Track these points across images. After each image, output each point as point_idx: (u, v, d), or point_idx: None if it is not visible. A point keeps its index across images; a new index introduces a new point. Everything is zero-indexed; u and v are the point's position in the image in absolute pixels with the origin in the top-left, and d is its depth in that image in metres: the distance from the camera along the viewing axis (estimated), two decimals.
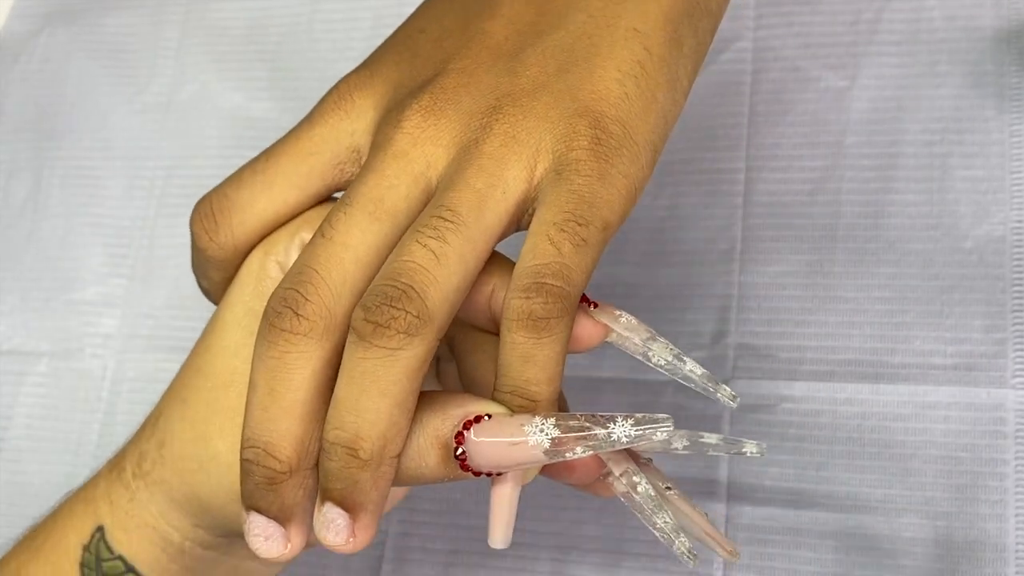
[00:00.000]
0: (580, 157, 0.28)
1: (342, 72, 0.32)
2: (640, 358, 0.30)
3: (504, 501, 0.30)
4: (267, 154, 0.33)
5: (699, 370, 0.30)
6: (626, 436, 0.26)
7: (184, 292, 0.50)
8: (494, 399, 0.29)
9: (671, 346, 0.30)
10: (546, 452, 0.27)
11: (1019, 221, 0.41)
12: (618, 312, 0.30)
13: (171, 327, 0.50)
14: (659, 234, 0.45)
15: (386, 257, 0.28)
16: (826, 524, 0.40)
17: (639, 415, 0.26)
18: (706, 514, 0.31)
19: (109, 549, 0.34)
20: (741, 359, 0.43)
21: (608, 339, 0.30)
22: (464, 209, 0.28)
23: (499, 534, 0.30)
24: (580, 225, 0.27)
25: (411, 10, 0.34)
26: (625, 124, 0.29)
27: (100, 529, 0.34)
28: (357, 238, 0.28)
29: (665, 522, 0.29)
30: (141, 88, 0.55)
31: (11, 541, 0.35)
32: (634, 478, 0.30)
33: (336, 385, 0.27)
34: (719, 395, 0.30)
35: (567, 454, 0.27)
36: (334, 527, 0.28)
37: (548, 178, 0.29)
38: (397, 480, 0.28)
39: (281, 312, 0.28)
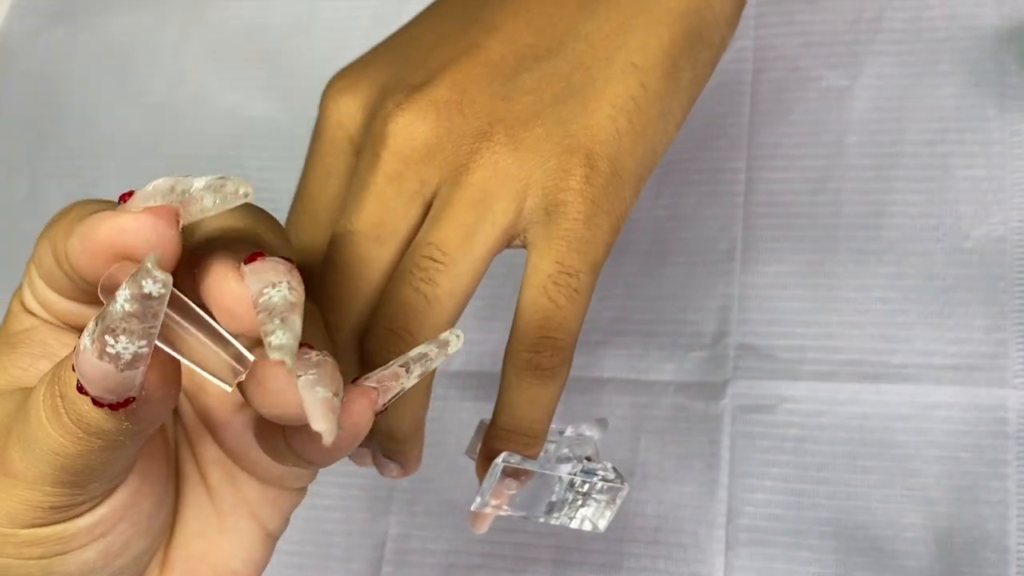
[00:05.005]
0: (568, 199, 0.29)
1: None
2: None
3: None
4: (297, 193, 0.34)
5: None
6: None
7: None
8: (494, 437, 0.31)
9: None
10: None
11: (1020, 221, 0.41)
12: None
13: None
14: (659, 234, 0.45)
15: (394, 270, 0.31)
16: (827, 524, 0.40)
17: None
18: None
19: None
20: (742, 359, 0.42)
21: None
22: (453, 246, 0.29)
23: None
24: (571, 276, 0.29)
25: (411, 9, 0.34)
26: (613, 160, 0.30)
27: None
28: (367, 266, 0.31)
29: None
30: (140, 87, 0.55)
31: None
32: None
33: None
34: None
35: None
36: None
37: (537, 215, 0.30)
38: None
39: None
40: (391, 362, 0.25)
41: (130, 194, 0.23)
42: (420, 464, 0.34)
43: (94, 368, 0.21)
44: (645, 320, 0.44)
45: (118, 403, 0.22)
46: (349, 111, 0.32)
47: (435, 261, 0.29)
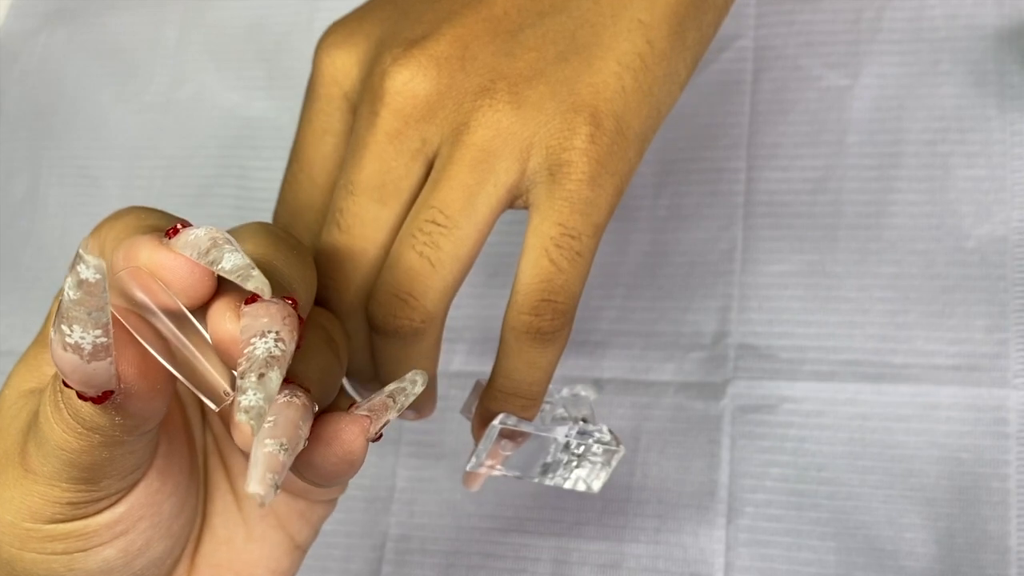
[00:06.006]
0: (572, 159, 0.29)
1: None
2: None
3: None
4: (293, 151, 0.33)
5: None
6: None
7: None
8: (491, 399, 0.31)
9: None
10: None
11: (1021, 220, 0.41)
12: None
13: None
14: (659, 234, 0.45)
15: (398, 230, 0.30)
16: (827, 525, 0.40)
17: None
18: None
19: None
20: (742, 359, 0.42)
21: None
22: (455, 209, 0.29)
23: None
24: (574, 238, 0.29)
25: None
26: (619, 118, 0.29)
27: None
28: (371, 227, 0.30)
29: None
30: (140, 87, 0.55)
31: None
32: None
33: (376, 357, 0.31)
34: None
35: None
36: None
37: (540, 175, 0.29)
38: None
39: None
40: (379, 392, 0.26)
41: (178, 230, 0.24)
42: (435, 408, 0.35)
43: (61, 359, 0.22)
44: (645, 320, 0.44)
45: (99, 397, 0.22)
46: (344, 66, 0.31)
47: (437, 224, 0.29)
